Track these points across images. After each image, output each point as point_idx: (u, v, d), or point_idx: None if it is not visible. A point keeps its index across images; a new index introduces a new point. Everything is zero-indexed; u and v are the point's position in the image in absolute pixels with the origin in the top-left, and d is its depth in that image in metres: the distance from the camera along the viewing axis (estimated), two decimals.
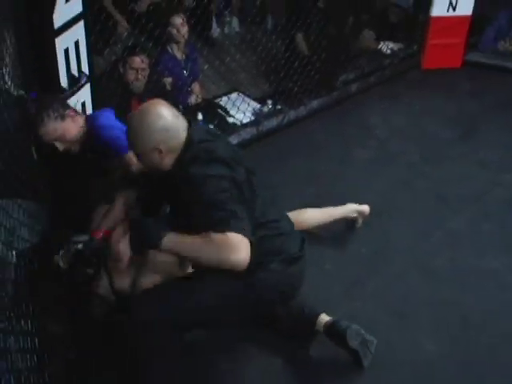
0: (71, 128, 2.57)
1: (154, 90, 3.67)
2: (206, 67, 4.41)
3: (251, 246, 1.98)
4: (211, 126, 3.71)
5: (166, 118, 2.06)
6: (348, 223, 3.31)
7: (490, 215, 3.49)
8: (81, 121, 2.62)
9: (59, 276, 2.41)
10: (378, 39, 5.37)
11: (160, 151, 2.06)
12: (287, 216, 2.41)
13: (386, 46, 5.36)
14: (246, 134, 4.15)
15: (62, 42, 2.60)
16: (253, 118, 4.25)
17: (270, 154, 3.99)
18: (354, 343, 2.45)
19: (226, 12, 5.43)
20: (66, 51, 2.63)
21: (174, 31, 4.11)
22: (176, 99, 4.01)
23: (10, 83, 2.61)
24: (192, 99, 4.24)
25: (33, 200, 2.55)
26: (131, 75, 3.60)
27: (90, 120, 2.65)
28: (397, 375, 2.50)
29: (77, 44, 2.70)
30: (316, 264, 3.06)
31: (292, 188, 3.60)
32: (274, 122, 4.35)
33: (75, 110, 2.64)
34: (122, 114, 3.02)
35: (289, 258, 2.22)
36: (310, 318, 2.56)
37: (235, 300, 2.18)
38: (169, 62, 4.14)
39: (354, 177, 3.85)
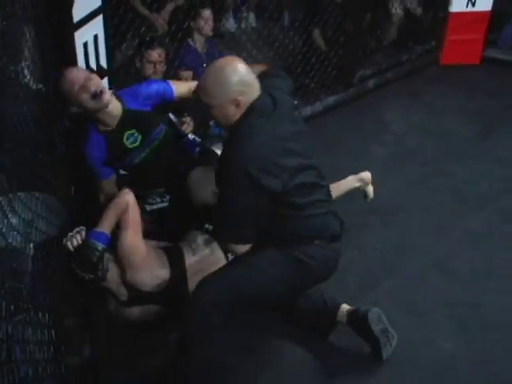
0: None
1: None
2: None
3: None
4: None
5: (245, 72, 2.13)
6: (362, 219, 3.29)
7: (508, 215, 3.46)
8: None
9: (73, 268, 2.43)
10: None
11: (238, 104, 2.11)
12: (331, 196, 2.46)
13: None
14: None
15: (81, 36, 2.61)
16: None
17: None
18: (375, 328, 2.49)
19: (243, 7, 5.42)
20: (85, 45, 2.64)
21: (202, 23, 4.10)
22: None
23: (29, 77, 2.62)
24: None
25: (51, 194, 2.56)
26: (149, 69, 3.58)
27: None
28: (414, 373, 2.49)
29: (96, 38, 2.70)
30: None
31: None
32: None
33: None
34: None
35: (331, 235, 2.31)
36: (331, 309, 2.60)
37: (286, 274, 2.27)
38: (189, 55, 4.12)
39: (371, 173, 3.82)
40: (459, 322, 2.74)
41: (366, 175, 3.17)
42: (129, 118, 2.72)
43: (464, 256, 3.12)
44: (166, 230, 2.94)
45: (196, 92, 2.28)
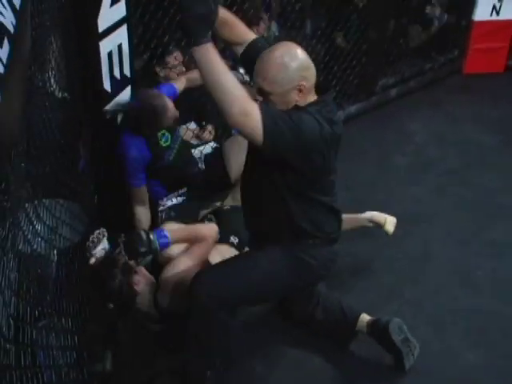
0: None
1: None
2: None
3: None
4: None
5: (305, 57, 2.10)
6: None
7: None
8: None
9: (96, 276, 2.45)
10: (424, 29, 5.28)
11: (300, 90, 2.07)
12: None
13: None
14: None
15: (106, 46, 2.63)
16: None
17: None
18: (397, 338, 2.48)
19: (266, 16, 5.43)
20: (110, 54, 2.67)
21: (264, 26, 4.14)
22: None
23: (55, 86, 2.66)
24: None
25: (75, 201, 2.59)
26: (166, 74, 3.57)
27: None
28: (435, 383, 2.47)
29: (120, 47, 2.73)
30: (351, 270, 3.05)
31: None
32: None
33: None
34: None
35: (332, 237, 2.33)
36: (350, 319, 2.59)
37: (284, 272, 2.29)
38: None
39: (392, 183, 3.81)
40: (481, 333, 2.71)
41: (379, 219, 3.08)
42: None
43: (486, 266, 3.09)
44: None
45: (253, 80, 2.16)
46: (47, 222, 2.20)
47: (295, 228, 2.24)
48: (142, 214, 2.97)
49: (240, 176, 2.51)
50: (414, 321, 2.71)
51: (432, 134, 4.43)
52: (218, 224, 2.80)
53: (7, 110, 1.25)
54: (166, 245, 2.55)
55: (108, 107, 2.78)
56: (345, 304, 2.62)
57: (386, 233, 3.06)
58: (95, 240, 2.55)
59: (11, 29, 1.33)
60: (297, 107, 2.09)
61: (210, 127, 3.61)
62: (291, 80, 2.05)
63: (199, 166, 3.23)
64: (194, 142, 3.50)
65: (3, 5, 1.32)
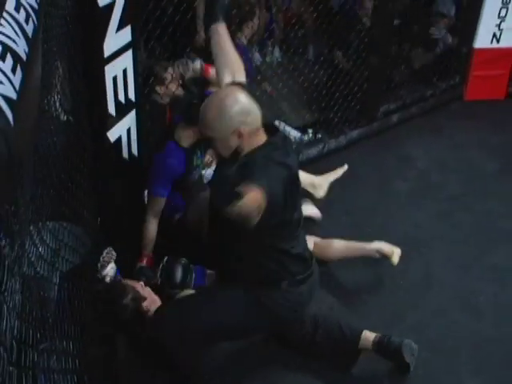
0: None
1: None
2: None
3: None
4: None
5: (246, 102, 2.06)
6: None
7: None
8: None
9: (99, 299, 2.45)
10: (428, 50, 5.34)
11: (240, 134, 2.05)
12: (303, 236, 2.39)
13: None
14: None
15: (111, 70, 2.66)
16: (293, 146, 4.26)
17: None
18: (409, 358, 2.54)
19: (269, 42, 5.50)
20: (115, 79, 2.70)
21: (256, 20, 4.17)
22: None
23: (60, 109, 2.69)
24: None
25: (78, 223, 2.61)
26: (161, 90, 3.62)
27: None
28: None
29: (125, 72, 2.76)
30: (353, 294, 3.05)
31: (329, 217, 3.60)
32: (314, 151, 4.37)
33: None
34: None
35: (299, 278, 2.26)
36: (352, 337, 2.59)
37: (249, 319, 2.27)
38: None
39: (393, 208, 3.83)
40: (484, 359, 2.70)
41: (387, 251, 3.10)
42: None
43: (488, 291, 3.10)
44: None
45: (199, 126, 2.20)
46: (50, 245, 2.21)
47: (258, 270, 2.21)
48: (153, 225, 2.98)
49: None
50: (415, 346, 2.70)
51: (433, 159, 4.45)
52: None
53: (19, 135, 1.28)
54: (200, 285, 2.57)
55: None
56: (343, 323, 2.61)
57: (391, 263, 3.08)
58: (106, 260, 2.56)
59: (24, 56, 1.36)
60: (237, 152, 2.07)
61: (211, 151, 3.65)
62: (229, 125, 2.04)
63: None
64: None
65: (16, 33, 1.36)
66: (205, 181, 3.32)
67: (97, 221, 2.94)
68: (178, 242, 2.98)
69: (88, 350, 2.27)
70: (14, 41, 1.32)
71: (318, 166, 4.29)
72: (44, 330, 1.92)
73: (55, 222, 2.37)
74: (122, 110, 2.81)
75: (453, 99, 5.40)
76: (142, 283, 2.56)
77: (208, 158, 3.62)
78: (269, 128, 2.16)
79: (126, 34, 2.71)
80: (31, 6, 1.51)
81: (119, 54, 2.70)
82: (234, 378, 2.54)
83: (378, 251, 3.09)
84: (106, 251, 2.57)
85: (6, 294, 1.31)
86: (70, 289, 2.36)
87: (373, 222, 3.62)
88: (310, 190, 3.17)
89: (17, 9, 1.42)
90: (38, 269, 1.99)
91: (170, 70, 3.60)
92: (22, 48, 1.36)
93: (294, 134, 4.38)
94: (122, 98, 2.78)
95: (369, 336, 2.58)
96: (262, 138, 2.11)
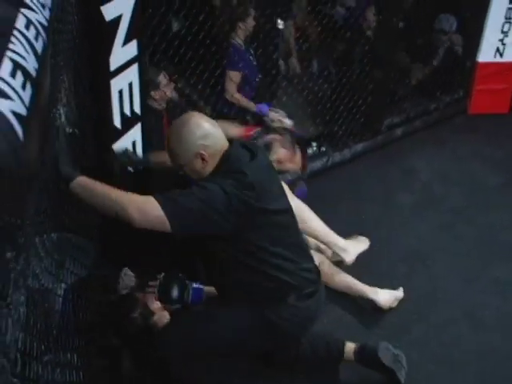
0: None
1: None
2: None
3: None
4: None
5: (205, 126, 2.16)
6: (390, 267, 3.29)
7: None
8: None
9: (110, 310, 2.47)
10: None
11: (202, 158, 2.12)
12: (307, 250, 2.45)
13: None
14: (291, 176, 4.18)
15: (117, 84, 2.69)
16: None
17: (313, 195, 4.00)
18: (387, 360, 2.50)
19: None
20: (120, 92, 2.72)
21: (253, 23, 4.14)
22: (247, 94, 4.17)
23: (65, 121, 2.71)
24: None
25: (82, 235, 2.62)
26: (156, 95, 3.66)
27: None
28: None
29: (130, 85, 2.79)
30: (358, 307, 3.05)
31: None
32: (318, 164, 4.38)
33: None
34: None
35: (306, 293, 2.26)
36: (337, 351, 2.59)
37: (255, 336, 2.27)
38: (237, 55, 4.11)
39: (397, 221, 3.83)
40: (489, 372, 2.70)
41: (383, 305, 3.04)
42: None
43: (491, 304, 3.09)
44: None
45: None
46: (55, 257, 2.22)
47: (259, 288, 2.21)
48: None
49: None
50: (420, 360, 2.70)
51: (436, 172, 4.46)
52: None
53: (29, 150, 1.31)
54: (198, 302, 2.57)
55: None
56: (329, 337, 2.60)
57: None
58: (125, 284, 2.59)
59: (34, 73, 1.39)
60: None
61: None
62: (190, 150, 2.13)
63: None
64: None
65: (26, 50, 1.39)
66: None
67: (101, 233, 2.96)
68: (175, 257, 2.98)
69: (93, 361, 2.28)
70: (24, 58, 1.36)
71: (322, 180, 4.32)
72: (48, 342, 1.93)
73: (60, 234, 2.38)
74: (128, 123, 2.83)
75: (456, 113, 5.41)
76: (153, 297, 2.57)
77: None
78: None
79: (132, 48, 2.74)
80: (41, 23, 1.54)
81: (125, 68, 2.73)
82: None
83: (375, 302, 3.04)
84: (123, 273, 2.59)
85: (11, 306, 1.32)
86: (75, 300, 2.38)
87: (377, 235, 3.60)
88: (341, 253, 3.08)
89: (27, 26, 1.45)
90: (43, 281, 2.01)
91: (162, 73, 3.63)
92: (31, 65, 1.39)
93: None
94: (127, 111, 2.81)
95: (350, 347, 2.58)
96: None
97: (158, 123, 3.58)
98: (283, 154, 3.06)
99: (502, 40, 5.16)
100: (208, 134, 2.15)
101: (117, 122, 2.75)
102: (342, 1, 5.36)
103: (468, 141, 4.95)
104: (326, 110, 4.65)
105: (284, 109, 4.68)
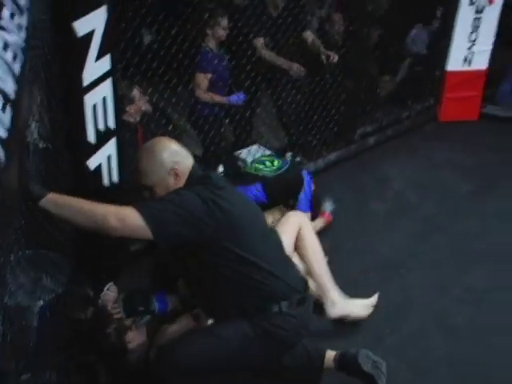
0: None
1: None
2: (227, 121, 4.50)
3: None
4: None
5: (174, 146, 2.30)
6: (364, 277, 3.32)
7: (509, 269, 3.47)
8: None
9: (82, 327, 2.46)
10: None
11: (176, 173, 2.22)
12: (292, 261, 2.51)
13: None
14: None
15: (91, 99, 2.68)
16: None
17: None
18: (367, 366, 2.53)
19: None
20: (94, 107, 2.72)
21: (223, 32, 4.21)
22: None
23: (38, 137, 2.70)
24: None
25: (57, 251, 2.61)
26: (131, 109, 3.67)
27: None
28: None
29: (104, 100, 2.79)
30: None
31: None
32: None
33: None
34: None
35: (296, 299, 2.30)
36: (317, 360, 2.60)
37: (256, 346, 2.27)
38: (206, 58, 4.19)
39: (371, 229, 3.88)
40: (462, 380, 2.74)
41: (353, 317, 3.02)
42: None
43: (465, 312, 3.13)
44: None
45: (135, 181, 2.32)
46: (31, 274, 2.22)
47: (249, 299, 2.24)
48: None
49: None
50: (396, 368, 2.72)
51: (409, 180, 4.53)
52: None
53: (10, 173, 1.32)
54: (165, 310, 2.57)
55: None
56: (310, 346, 2.62)
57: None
58: (107, 298, 2.59)
59: (12, 95, 1.40)
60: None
61: None
62: (164, 166, 2.22)
63: None
64: None
65: (5, 72, 1.40)
66: None
67: (77, 248, 2.95)
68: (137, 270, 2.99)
69: (71, 378, 2.27)
70: (3, 80, 1.36)
71: None
72: (26, 360, 1.92)
73: (35, 250, 2.38)
74: (102, 137, 2.83)
75: (427, 121, 5.52)
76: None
77: None
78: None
79: (105, 63, 2.74)
80: (18, 45, 1.55)
81: (99, 83, 2.73)
82: None
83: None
84: (106, 287, 2.59)
85: None
86: (52, 317, 2.36)
87: (351, 244, 3.66)
88: (327, 303, 2.97)
89: (5, 48, 1.46)
90: (20, 299, 2.00)
91: (136, 87, 3.65)
92: (10, 87, 1.40)
93: None
94: (101, 125, 2.80)
95: (331, 355, 2.61)
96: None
97: (132, 137, 3.58)
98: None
99: (469, 48, 5.29)
100: (178, 152, 2.28)
101: (91, 136, 2.74)
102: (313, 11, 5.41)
103: (439, 148, 5.05)
104: (300, 120, 4.69)
105: (258, 120, 4.73)
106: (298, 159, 4.51)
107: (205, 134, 4.21)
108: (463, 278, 3.40)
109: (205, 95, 4.24)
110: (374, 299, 3.08)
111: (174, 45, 3.82)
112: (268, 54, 4.48)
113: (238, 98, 4.33)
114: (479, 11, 5.14)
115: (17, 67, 1.50)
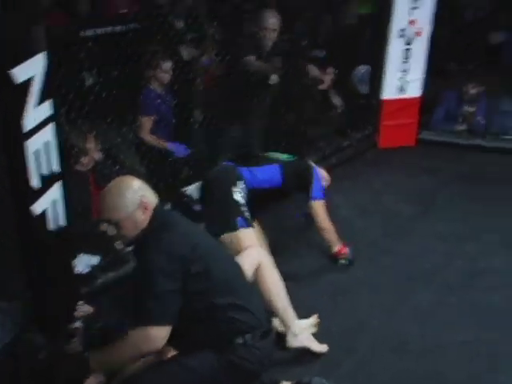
0: None
1: None
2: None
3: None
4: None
5: (139, 182, 2.37)
6: (315, 302, 3.38)
7: (454, 287, 3.59)
8: None
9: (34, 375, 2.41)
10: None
11: (145, 207, 2.27)
12: (256, 291, 2.59)
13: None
14: None
15: (33, 144, 2.67)
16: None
17: None
18: None
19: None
20: (37, 152, 2.70)
21: (166, 75, 4.35)
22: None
23: None
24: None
25: (6, 299, 2.57)
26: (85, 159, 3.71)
27: None
28: None
29: (47, 145, 2.78)
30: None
31: None
32: None
33: None
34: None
35: (260, 332, 2.36)
36: None
37: (222, 377, 2.30)
38: (149, 98, 4.36)
39: (318, 255, 3.94)
40: None
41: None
42: None
43: (414, 332, 3.20)
44: None
45: (101, 220, 2.39)
46: None
47: (215, 333, 2.29)
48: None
49: None
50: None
51: (354, 206, 4.65)
52: None
53: None
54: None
55: None
56: (265, 377, 2.61)
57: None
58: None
59: None
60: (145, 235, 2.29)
61: None
62: (133, 199, 2.28)
63: None
64: None
65: None
66: None
67: (27, 294, 2.90)
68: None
69: None
70: None
71: None
72: None
73: None
74: (46, 182, 2.81)
75: (368, 148, 5.70)
76: None
77: None
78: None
79: (46, 108, 2.74)
80: None
81: (40, 128, 2.72)
82: None
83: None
84: (80, 308, 2.59)
85: None
86: (4, 366, 2.32)
87: (301, 271, 3.72)
88: (289, 335, 3.02)
89: None
90: None
91: (89, 139, 3.67)
92: None
93: None
94: (45, 170, 2.78)
95: None
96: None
97: (83, 182, 3.61)
98: None
99: (402, 78, 5.52)
100: (144, 187, 2.36)
101: (35, 182, 2.73)
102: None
103: (381, 173, 5.22)
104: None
105: (203, 152, 4.78)
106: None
107: (151, 172, 4.25)
108: (409, 299, 3.48)
109: (148, 137, 4.33)
110: (313, 319, 3.13)
111: (116, 86, 3.87)
112: None
113: (177, 150, 4.47)
114: (409, 43, 5.41)
115: None
